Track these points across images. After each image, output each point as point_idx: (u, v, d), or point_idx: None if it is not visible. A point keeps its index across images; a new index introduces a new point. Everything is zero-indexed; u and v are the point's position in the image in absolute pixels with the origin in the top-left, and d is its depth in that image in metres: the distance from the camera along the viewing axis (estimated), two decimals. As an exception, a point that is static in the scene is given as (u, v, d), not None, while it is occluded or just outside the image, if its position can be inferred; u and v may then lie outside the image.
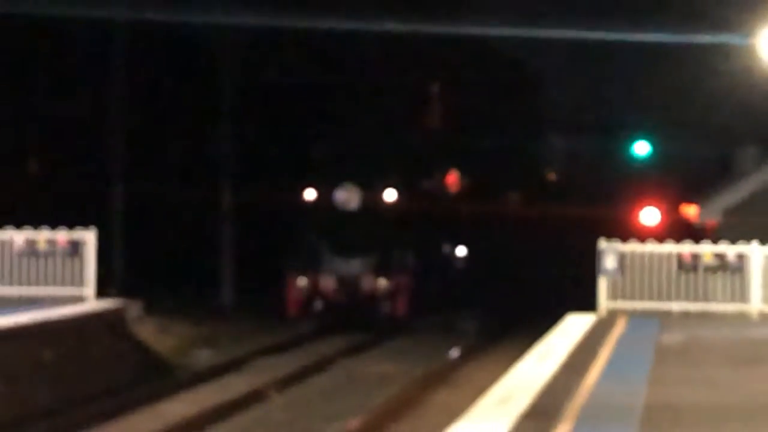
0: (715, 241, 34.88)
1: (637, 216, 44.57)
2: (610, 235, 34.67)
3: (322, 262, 38.12)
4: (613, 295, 33.49)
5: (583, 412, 17.60)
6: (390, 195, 38.74)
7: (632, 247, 34.18)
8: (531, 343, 27.55)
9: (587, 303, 33.95)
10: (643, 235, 38.39)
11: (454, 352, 39.42)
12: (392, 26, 40.87)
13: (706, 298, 33.21)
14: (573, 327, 30.21)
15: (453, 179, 48.04)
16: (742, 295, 32.83)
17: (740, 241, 33.48)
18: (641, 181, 50.75)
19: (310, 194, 39.10)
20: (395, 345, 41.11)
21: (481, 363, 35.67)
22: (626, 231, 39.34)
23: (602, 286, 33.46)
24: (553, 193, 56.50)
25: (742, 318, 32.47)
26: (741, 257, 32.96)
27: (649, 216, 45.45)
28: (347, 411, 27.75)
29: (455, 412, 19.18)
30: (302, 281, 37.66)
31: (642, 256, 33.56)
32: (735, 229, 35.64)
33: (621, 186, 51.56)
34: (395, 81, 49.97)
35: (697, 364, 24.39)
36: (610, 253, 33.45)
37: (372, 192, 38.69)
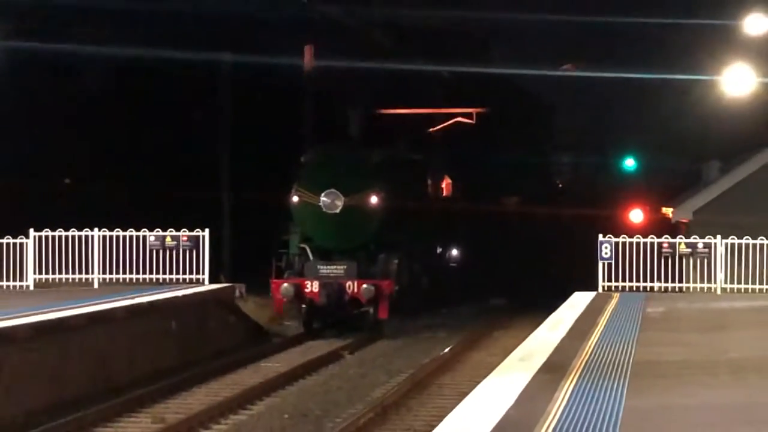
0: (687, 234, 34.77)
1: (627, 216, 44.27)
2: (605, 231, 34.40)
3: (306, 267, 31.93)
4: (609, 276, 33.29)
5: (586, 367, 18.18)
6: (374, 199, 32.08)
7: (623, 239, 33.50)
8: (546, 315, 27.56)
9: (589, 283, 33.69)
10: (631, 231, 37.93)
11: (487, 322, 38.67)
12: (443, 69, 40.01)
13: (680, 279, 33.07)
14: (578, 301, 30.07)
15: (447, 184, 42.46)
16: (709, 276, 32.62)
17: (707, 235, 33.11)
18: (629, 188, 50.27)
19: (294, 198, 32.42)
20: (441, 317, 39.57)
21: (507, 331, 35.23)
22: (618, 227, 38.95)
23: (600, 269, 33.30)
24: (560, 197, 55.52)
25: (708, 294, 32.34)
26: (707, 247, 32.64)
27: (636, 216, 45.02)
28: (406, 366, 28.05)
29: (488, 367, 20.16)
30: (286, 286, 31.30)
31: (630, 246, 33.13)
32: (702, 225, 35.37)
33: (613, 192, 50.98)
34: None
35: (673, 329, 24.43)
36: (606, 244, 33.14)
37: (357, 196, 32.27)
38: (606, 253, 33.23)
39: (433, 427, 14.20)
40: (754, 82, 34.29)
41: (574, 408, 14.50)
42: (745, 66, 33.68)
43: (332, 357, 30.31)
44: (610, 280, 33.36)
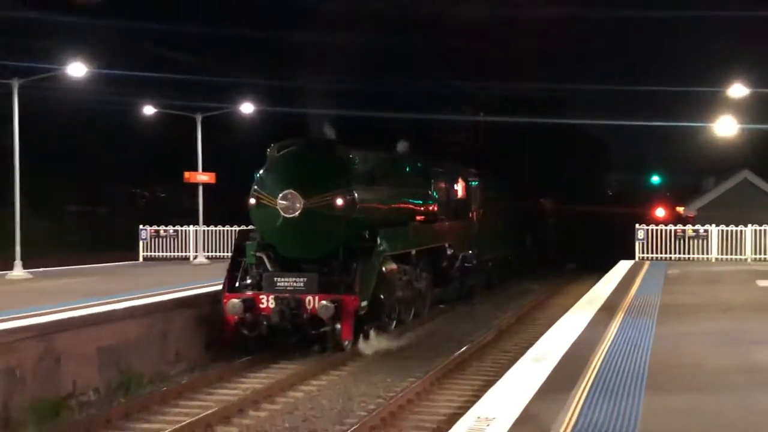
0: (693, 223, 34.14)
1: (654, 212, 42.80)
2: (640, 222, 34.06)
3: (264, 279, 18.83)
4: (643, 250, 32.87)
5: (629, 307, 18.44)
6: (340, 201, 18.75)
7: (651, 227, 33.34)
8: (603, 274, 27.38)
9: (630, 255, 33.06)
10: (657, 221, 38.07)
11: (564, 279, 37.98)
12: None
13: (689, 252, 32.61)
14: (622, 267, 29.67)
15: (462, 187, 27.69)
16: (707, 251, 32.34)
17: (705, 224, 32.81)
18: (655, 195, 48.33)
19: (251, 200, 19.18)
20: (532, 275, 37.18)
21: (577, 285, 33.47)
22: (648, 220, 37.85)
23: (637, 246, 32.91)
24: (610, 201, 53.08)
25: (707, 262, 31.76)
26: (706, 231, 32.46)
27: (660, 212, 43.60)
28: (513, 307, 27.09)
29: (566, 308, 19.74)
30: (235, 302, 18.08)
31: (656, 231, 32.86)
32: (703, 218, 34.45)
33: (645, 197, 48.75)
34: None
35: (684, 284, 24.05)
36: (640, 230, 32.97)
37: (320, 197, 18.98)
38: (641, 236, 32.95)
39: (532, 344, 14.33)
40: (736, 128, 33.09)
41: (622, 333, 14.76)
42: (729, 116, 32.62)
43: (462, 305, 26.98)
44: (643, 253, 32.77)
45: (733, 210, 33.31)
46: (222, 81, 37.52)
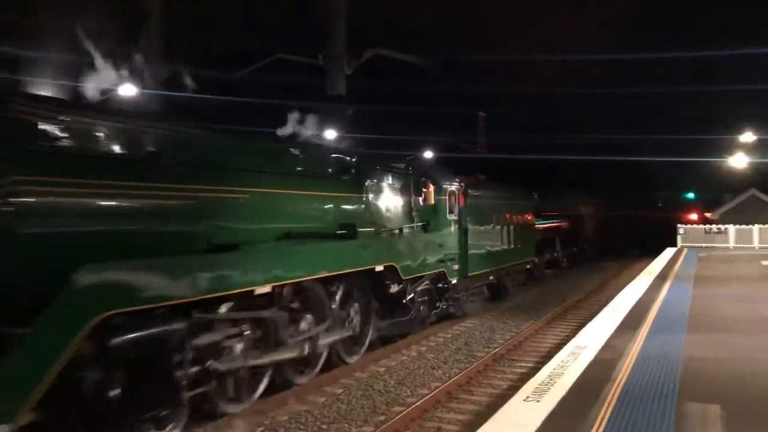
0: (716, 224, 32.99)
1: (689, 216, 39.35)
2: (681, 222, 33.58)
3: None
4: (683, 241, 32.30)
5: (675, 277, 17.95)
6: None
7: (688, 226, 33.04)
8: (655, 256, 26.63)
9: (673, 244, 32.16)
10: (691, 222, 36.30)
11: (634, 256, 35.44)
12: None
13: (714, 242, 31.64)
14: (669, 251, 29.01)
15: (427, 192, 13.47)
16: (726, 241, 31.40)
17: (725, 224, 32.09)
18: (690, 204, 43.92)
19: None
20: (608, 256, 34.63)
21: (639, 262, 30.15)
22: (686, 221, 35.79)
23: (678, 239, 32.38)
24: (659, 209, 46.16)
25: (726, 249, 30.54)
26: (726, 228, 31.68)
27: (693, 216, 39.94)
28: (598, 278, 25.37)
29: (631, 278, 19.44)
30: None
31: (692, 228, 32.62)
32: (723, 220, 33.12)
33: (683, 206, 43.25)
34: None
35: (711, 263, 23.21)
36: (681, 227, 32.68)
37: None
38: (681, 231, 32.75)
39: (610, 300, 13.74)
40: (746, 160, 31.05)
41: (671, 293, 14.40)
42: (741, 153, 30.75)
43: (557, 272, 25.02)
44: (683, 243, 32.29)
45: (744, 215, 32.68)
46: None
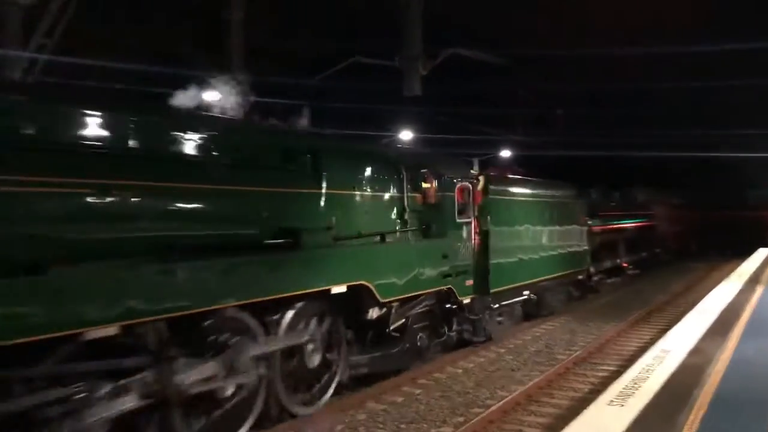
0: None
1: None
2: None
3: None
4: None
5: (765, 280, 17.21)
6: None
7: None
8: (746, 257, 26.25)
9: (766, 245, 30.72)
10: None
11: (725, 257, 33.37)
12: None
13: None
14: (762, 253, 28.12)
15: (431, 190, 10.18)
16: None
17: None
18: None
19: None
20: (696, 258, 34.12)
21: (729, 264, 28.09)
22: None
23: None
24: (750, 208, 43.87)
25: None
26: None
27: None
28: (684, 279, 25.48)
29: (721, 279, 18.71)
30: None
31: None
32: None
33: None
34: None
35: None
36: None
37: None
38: None
39: (693, 306, 13.38)
40: None
41: (765, 296, 13.93)
42: None
43: (632, 278, 23.86)
44: None
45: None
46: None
